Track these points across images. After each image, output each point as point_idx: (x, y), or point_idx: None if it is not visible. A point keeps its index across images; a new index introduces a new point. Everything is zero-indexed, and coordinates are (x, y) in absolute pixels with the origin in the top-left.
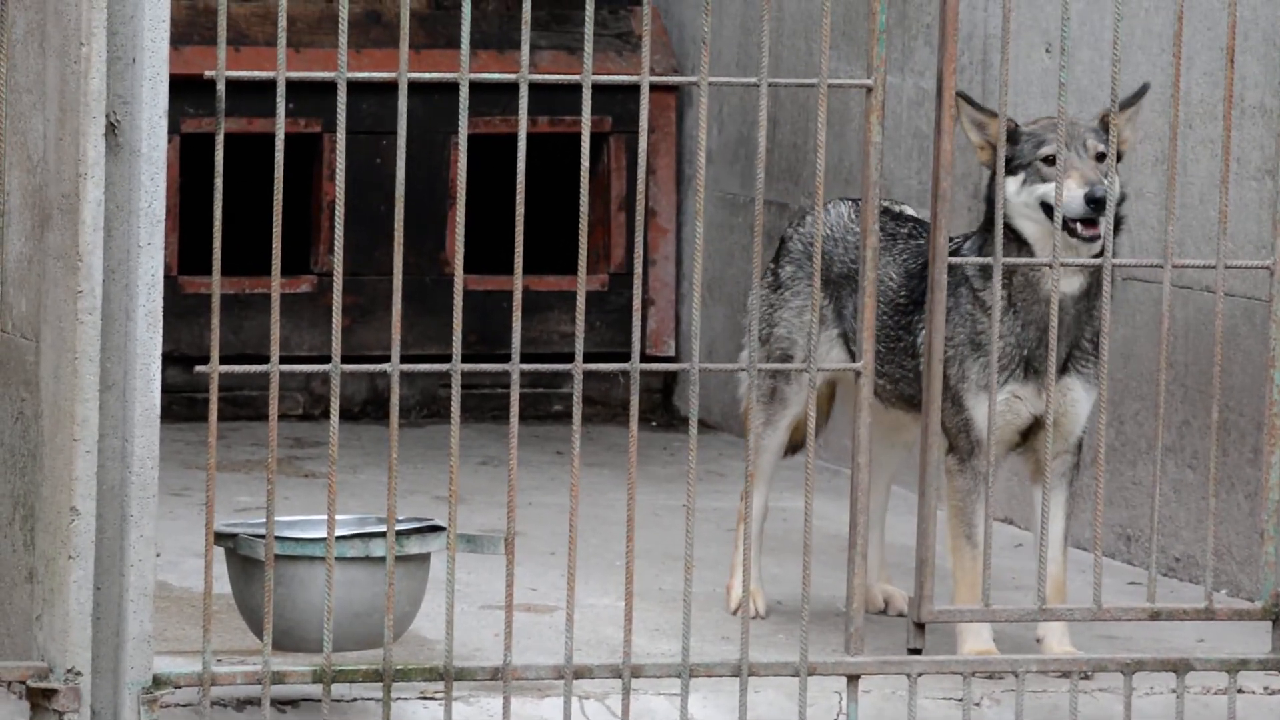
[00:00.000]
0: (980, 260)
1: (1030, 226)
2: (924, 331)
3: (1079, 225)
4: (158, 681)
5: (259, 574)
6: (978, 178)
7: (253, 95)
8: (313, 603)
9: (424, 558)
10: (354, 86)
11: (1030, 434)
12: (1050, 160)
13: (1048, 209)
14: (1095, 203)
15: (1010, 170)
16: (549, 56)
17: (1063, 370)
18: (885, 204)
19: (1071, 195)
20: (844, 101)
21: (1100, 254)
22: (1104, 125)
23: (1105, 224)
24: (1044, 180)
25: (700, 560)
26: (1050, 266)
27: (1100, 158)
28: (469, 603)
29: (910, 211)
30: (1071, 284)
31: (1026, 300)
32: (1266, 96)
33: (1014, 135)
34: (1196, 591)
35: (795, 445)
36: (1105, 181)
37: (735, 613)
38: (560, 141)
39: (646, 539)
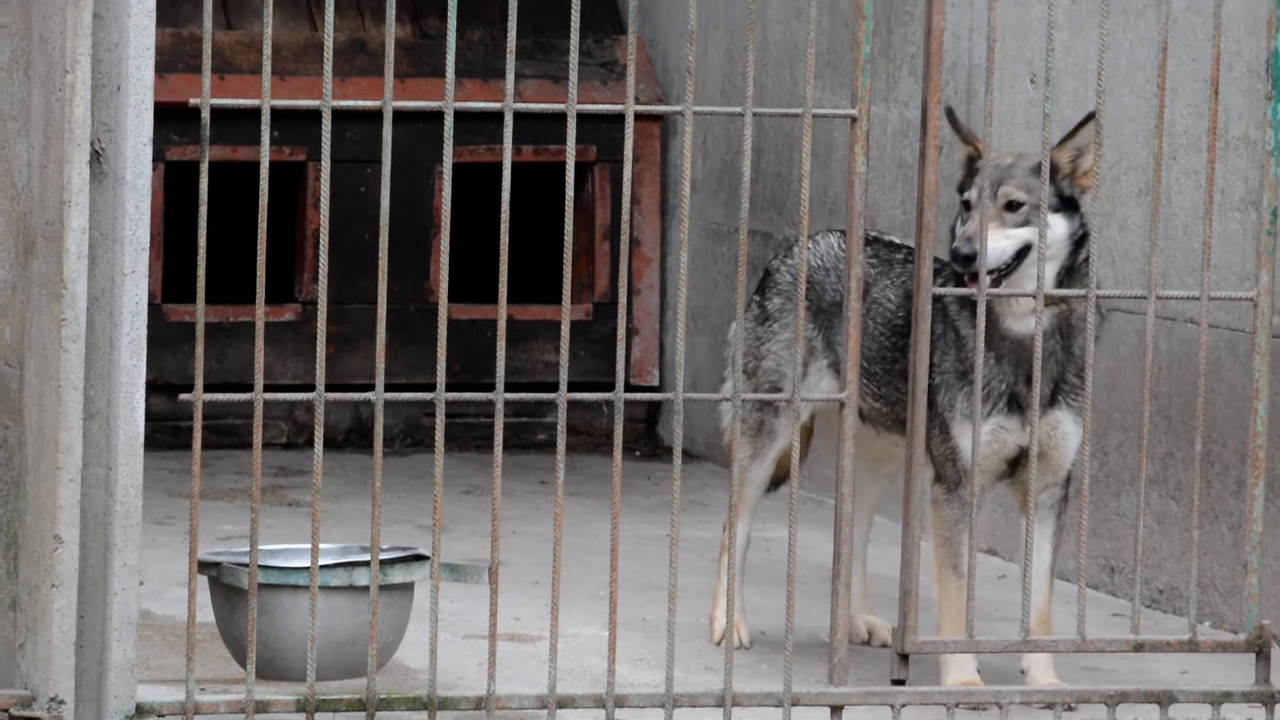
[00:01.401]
0: (962, 291)
1: None
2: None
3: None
4: (141, 710)
5: (242, 603)
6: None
7: (237, 123)
8: (296, 632)
9: (408, 587)
10: (339, 115)
11: (1019, 465)
12: (967, 205)
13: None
14: (960, 260)
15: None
16: (534, 85)
17: (1052, 404)
18: (874, 234)
19: (952, 249)
20: (828, 131)
21: (1066, 287)
22: (1050, 162)
23: (1039, 267)
24: (963, 224)
25: (684, 590)
26: (1034, 297)
27: (1012, 206)
28: (452, 632)
29: (899, 240)
30: (1027, 325)
31: (992, 336)
32: (1250, 128)
33: (971, 168)
34: (1180, 623)
35: (778, 480)
36: (981, 236)
37: (719, 643)
38: (545, 170)
39: (630, 569)
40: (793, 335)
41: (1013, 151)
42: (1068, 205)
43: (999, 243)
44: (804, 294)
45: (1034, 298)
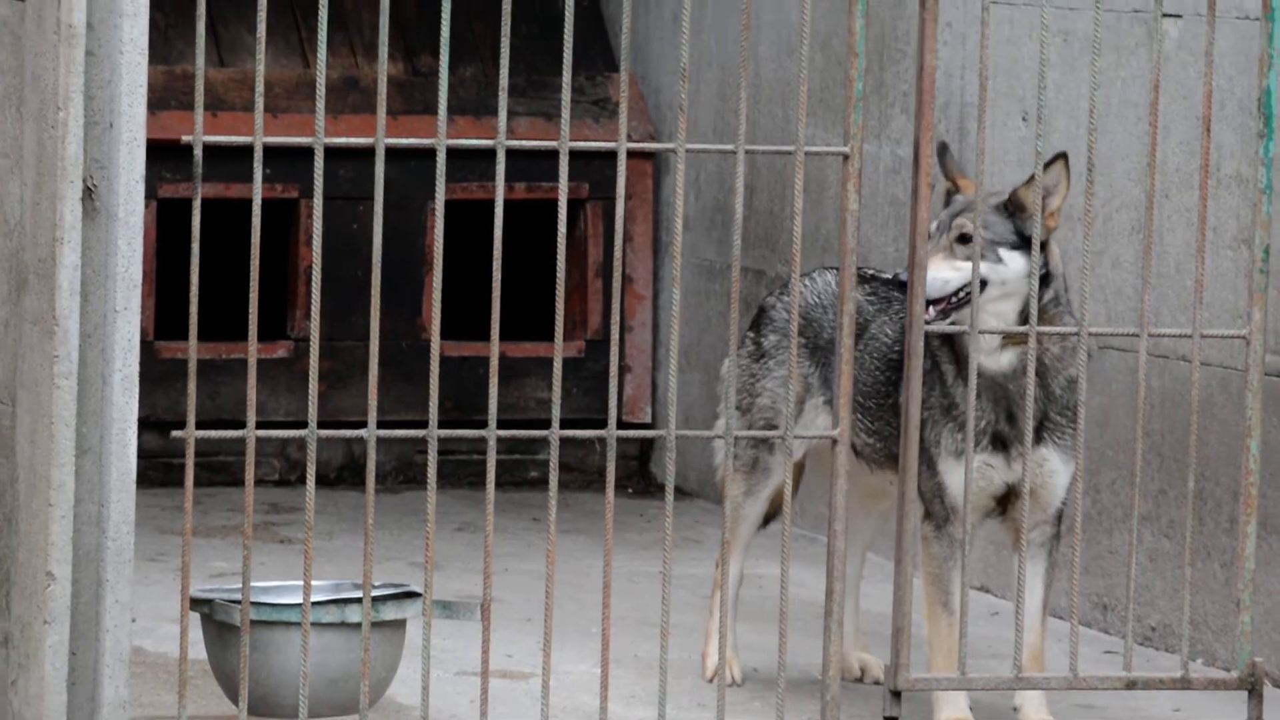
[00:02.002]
0: (954, 329)
1: None
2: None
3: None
4: None
5: (235, 639)
6: None
7: (230, 160)
8: (288, 668)
9: (400, 624)
10: (331, 152)
11: (1008, 502)
12: (930, 237)
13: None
14: (897, 287)
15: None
16: (526, 123)
17: (1038, 441)
18: (871, 272)
19: (892, 276)
20: (821, 169)
21: (1042, 324)
22: (1013, 200)
23: (1031, 304)
24: None
25: (676, 627)
26: (1026, 338)
27: (965, 239)
28: (445, 669)
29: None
30: (997, 361)
31: (967, 373)
32: (1242, 166)
33: (947, 201)
34: (1173, 660)
35: (770, 517)
36: (974, 268)
37: (711, 680)
38: (537, 208)
39: (623, 606)
40: (788, 372)
41: (990, 189)
42: (1028, 244)
43: (943, 273)
44: (797, 331)
45: (1025, 335)
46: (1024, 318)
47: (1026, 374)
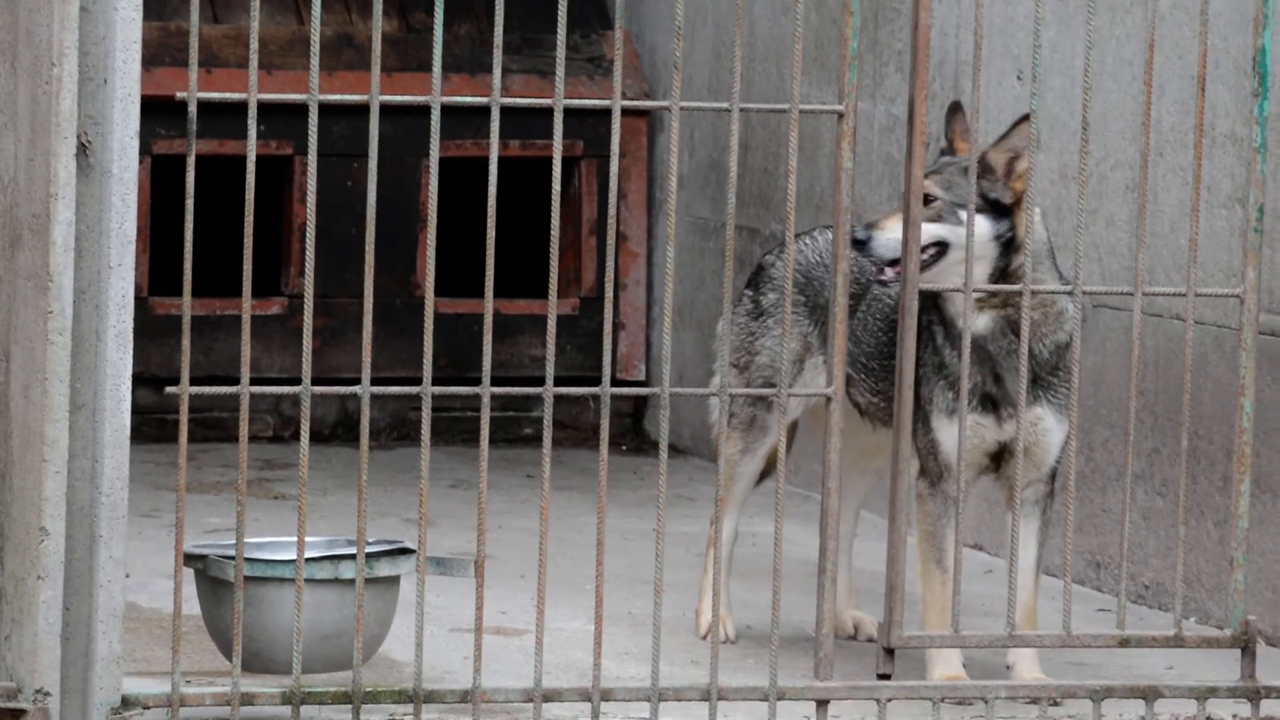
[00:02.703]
0: (950, 288)
1: None
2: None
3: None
4: (126, 702)
5: (228, 595)
6: None
7: (224, 117)
8: (282, 624)
9: (393, 580)
10: (325, 109)
11: (1002, 460)
12: None
13: None
14: (853, 245)
15: None
16: (520, 80)
17: (1033, 400)
18: None
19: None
20: (815, 127)
21: (1023, 286)
22: (981, 162)
23: (1027, 264)
24: None
25: (670, 584)
26: (1021, 294)
27: (925, 200)
28: (438, 625)
29: None
30: (974, 323)
31: (951, 335)
32: (1237, 125)
33: (937, 162)
34: (1166, 619)
35: (763, 474)
36: (877, 226)
37: (705, 637)
38: (531, 165)
39: (616, 563)
40: (790, 330)
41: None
42: (994, 207)
43: (899, 233)
44: (792, 290)
45: (1020, 294)
46: (996, 281)
47: (1004, 336)
